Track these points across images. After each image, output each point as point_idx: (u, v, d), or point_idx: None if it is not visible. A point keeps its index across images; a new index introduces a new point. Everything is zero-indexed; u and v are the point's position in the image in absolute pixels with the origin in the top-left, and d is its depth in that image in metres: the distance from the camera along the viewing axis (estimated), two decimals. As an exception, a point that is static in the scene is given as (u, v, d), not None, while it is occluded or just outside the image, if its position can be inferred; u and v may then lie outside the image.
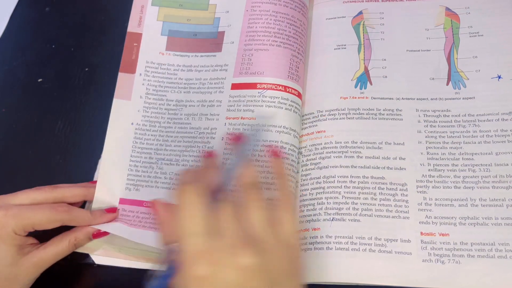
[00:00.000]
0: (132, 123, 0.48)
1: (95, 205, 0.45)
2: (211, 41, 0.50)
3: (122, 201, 0.45)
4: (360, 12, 0.50)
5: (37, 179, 0.50)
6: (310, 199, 0.41)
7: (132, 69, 0.50)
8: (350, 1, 0.51)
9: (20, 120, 0.55)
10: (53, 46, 0.60)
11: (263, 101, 0.44)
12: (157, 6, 0.52)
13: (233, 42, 0.49)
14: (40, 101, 0.56)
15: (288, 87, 0.45)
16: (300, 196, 0.41)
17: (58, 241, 0.39)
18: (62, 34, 0.61)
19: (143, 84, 0.49)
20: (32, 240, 0.39)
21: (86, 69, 0.57)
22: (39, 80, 0.57)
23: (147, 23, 0.51)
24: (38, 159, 0.51)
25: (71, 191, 0.41)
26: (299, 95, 0.45)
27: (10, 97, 0.57)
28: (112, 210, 0.44)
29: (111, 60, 0.56)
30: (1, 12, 0.63)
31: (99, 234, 0.41)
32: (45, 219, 0.38)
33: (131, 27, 0.52)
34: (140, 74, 0.49)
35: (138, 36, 0.51)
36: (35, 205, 0.39)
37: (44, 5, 0.63)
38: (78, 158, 0.51)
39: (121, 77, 0.50)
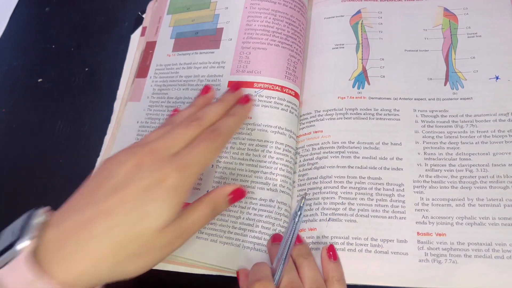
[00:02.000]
0: (137, 122, 0.48)
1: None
2: (210, 38, 0.50)
3: None
4: (359, 11, 0.50)
5: (37, 179, 0.50)
6: (307, 199, 0.41)
7: (145, 74, 0.51)
8: (349, 0, 0.51)
9: (20, 120, 0.55)
10: (53, 46, 0.60)
11: (259, 100, 0.44)
12: (170, 14, 0.54)
13: (231, 39, 0.49)
14: (40, 101, 0.56)
15: (285, 88, 0.45)
16: (298, 196, 0.41)
17: (197, 206, 0.33)
18: (62, 34, 0.61)
19: (151, 85, 0.50)
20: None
21: (86, 69, 0.57)
22: (39, 80, 0.57)
23: (161, 31, 0.53)
24: (38, 159, 0.52)
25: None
26: (296, 96, 0.45)
27: (10, 97, 0.57)
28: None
29: (111, 60, 0.57)
30: (1, 12, 0.64)
31: (235, 196, 0.35)
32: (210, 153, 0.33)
33: (149, 37, 0.54)
34: (151, 77, 0.51)
35: (153, 44, 0.53)
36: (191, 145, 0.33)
37: (44, 5, 0.64)
38: (78, 158, 0.51)
39: (136, 82, 0.52)
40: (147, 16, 0.57)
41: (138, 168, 0.30)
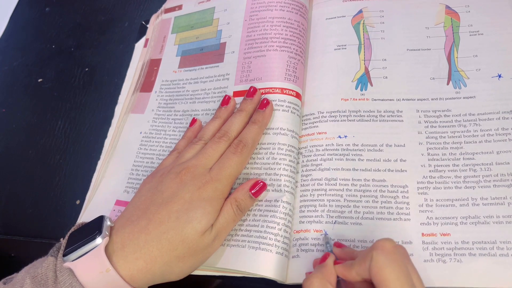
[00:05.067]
0: (140, 132, 0.49)
1: (91, 205, 0.46)
2: (215, 53, 0.51)
3: (118, 202, 0.45)
4: (360, 11, 0.50)
5: (37, 179, 0.50)
6: (311, 200, 0.41)
7: (149, 89, 0.52)
8: (350, 0, 0.51)
9: (20, 120, 0.55)
10: (53, 46, 0.60)
11: None
12: (175, 33, 0.55)
13: (233, 52, 0.49)
14: (40, 101, 0.56)
15: (285, 89, 0.45)
16: (301, 196, 0.41)
17: (223, 208, 0.37)
18: (62, 34, 0.61)
19: (156, 99, 0.51)
20: None
21: (86, 69, 0.57)
22: (39, 80, 0.57)
23: (167, 50, 0.54)
24: (38, 159, 0.51)
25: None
26: (297, 96, 0.45)
27: (10, 97, 0.57)
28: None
29: (111, 60, 0.57)
30: (1, 12, 0.63)
31: (257, 190, 0.39)
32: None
33: (154, 54, 0.55)
34: (156, 92, 0.52)
35: (158, 61, 0.54)
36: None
37: (44, 5, 0.64)
38: (78, 158, 0.51)
39: (140, 96, 0.52)
40: (149, 29, 0.57)
41: (182, 185, 0.36)
